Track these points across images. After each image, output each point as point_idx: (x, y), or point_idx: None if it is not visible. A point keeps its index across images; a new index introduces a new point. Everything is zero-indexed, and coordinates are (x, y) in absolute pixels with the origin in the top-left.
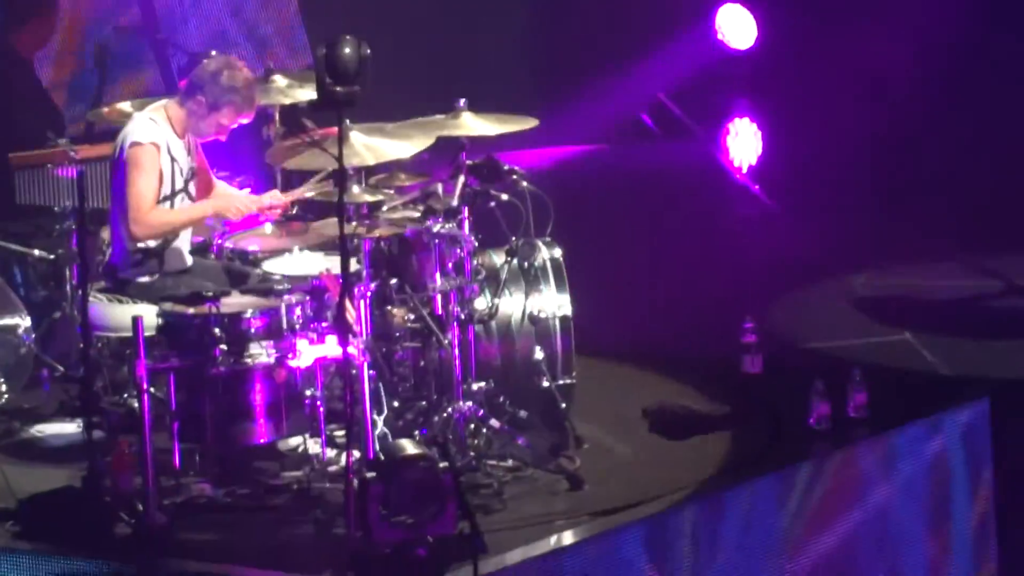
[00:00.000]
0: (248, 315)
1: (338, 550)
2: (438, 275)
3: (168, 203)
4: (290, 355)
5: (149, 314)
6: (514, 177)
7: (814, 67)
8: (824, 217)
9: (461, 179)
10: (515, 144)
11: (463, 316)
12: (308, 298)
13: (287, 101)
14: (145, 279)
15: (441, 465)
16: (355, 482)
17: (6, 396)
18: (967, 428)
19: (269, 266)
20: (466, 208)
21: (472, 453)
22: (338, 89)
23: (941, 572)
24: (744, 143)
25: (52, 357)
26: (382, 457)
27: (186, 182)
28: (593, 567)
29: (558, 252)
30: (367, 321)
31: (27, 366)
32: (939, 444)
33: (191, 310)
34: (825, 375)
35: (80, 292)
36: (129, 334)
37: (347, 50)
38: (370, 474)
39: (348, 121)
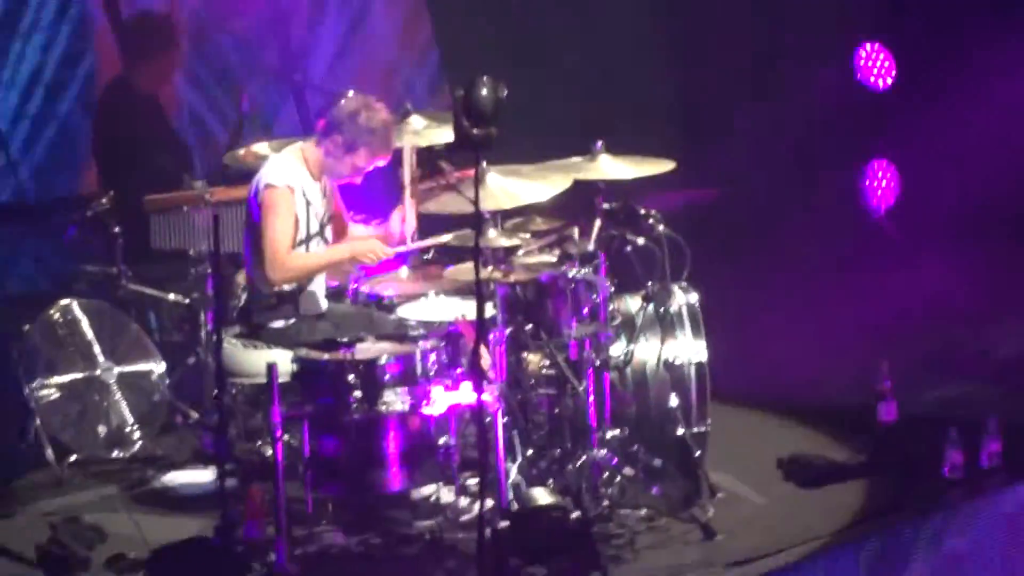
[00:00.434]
0: (383, 361)
1: None
2: (574, 321)
3: (303, 247)
4: (424, 402)
5: (284, 360)
6: (650, 221)
7: (952, 107)
8: (962, 260)
9: (598, 223)
10: (652, 187)
11: (598, 362)
12: (443, 344)
13: (423, 142)
14: (280, 324)
15: (574, 515)
16: (488, 531)
17: (140, 443)
18: None
19: (404, 311)
20: (602, 253)
21: (605, 502)
22: (475, 131)
23: None
24: (882, 184)
25: (186, 403)
26: (516, 506)
27: (322, 226)
28: None
29: (694, 297)
30: (502, 367)
31: (161, 412)
32: None
33: (326, 356)
34: (959, 423)
35: (214, 337)
36: (263, 380)
37: (484, 91)
38: (503, 523)
39: (485, 163)
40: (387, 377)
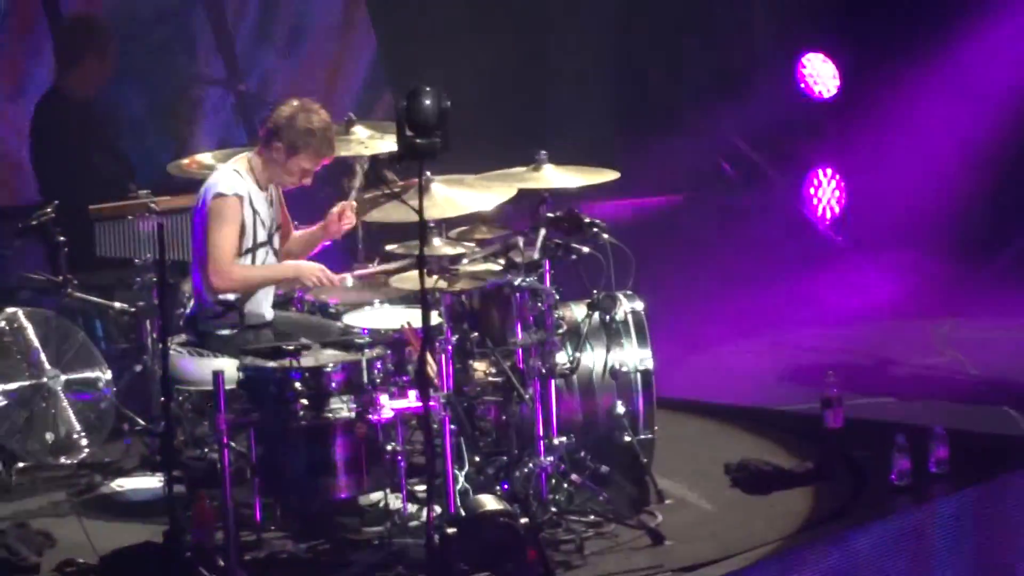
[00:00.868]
0: (329, 369)
1: None
2: (519, 329)
3: (250, 255)
4: (371, 409)
5: (230, 368)
6: (595, 230)
7: (896, 115)
8: (906, 267)
9: (542, 232)
10: (596, 196)
11: (544, 370)
12: (389, 352)
13: (368, 152)
14: (226, 332)
15: (522, 520)
16: (436, 537)
17: (87, 450)
18: None
19: (350, 319)
20: (547, 261)
21: (553, 508)
22: (418, 140)
23: None
24: (826, 192)
25: (133, 410)
26: (463, 512)
27: (269, 235)
28: None
29: (640, 305)
30: (448, 375)
31: (108, 420)
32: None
33: (272, 364)
34: (907, 430)
35: (161, 345)
36: (210, 388)
37: (427, 101)
38: (451, 529)
39: (428, 173)
40: (333, 384)
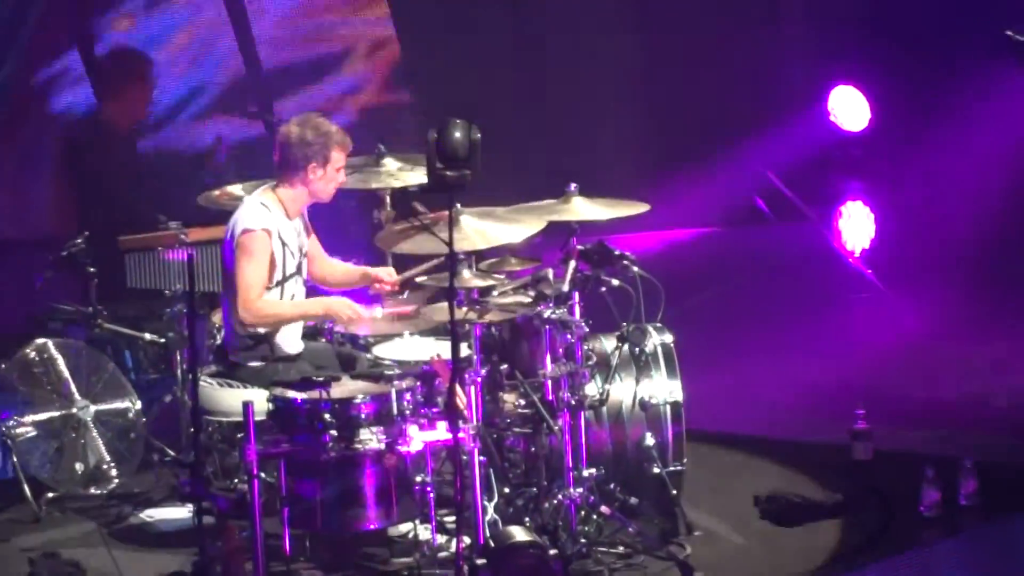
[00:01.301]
0: (358, 400)
1: None
2: (549, 361)
3: (280, 288)
4: (400, 441)
5: (260, 399)
6: (625, 262)
7: (927, 149)
8: (936, 300)
9: (572, 264)
10: (626, 228)
11: (574, 402)
12: (418, 383)
13: (398, 184)
14: (256, 363)
15: (551, 552)
16: (465, 569)
17: (117, 480)
18: None
19: (380, 351)
20: (577, 293)
21: (582, 540)
22: (448, 173)
23: None
24: (857, 226)
25: (162, 441)
26: (492, 544)
27: (298, 265)
28: None
29: (669, 337)
30: (478, 407)
31: (138, 450)
32: None
33: (301, 395)
34: (936, 462)
35: (191, 376)
36: (240, 419)
37: (457, 134)
38: (480, 561)
39: (459, 205)
40: (363, 416)
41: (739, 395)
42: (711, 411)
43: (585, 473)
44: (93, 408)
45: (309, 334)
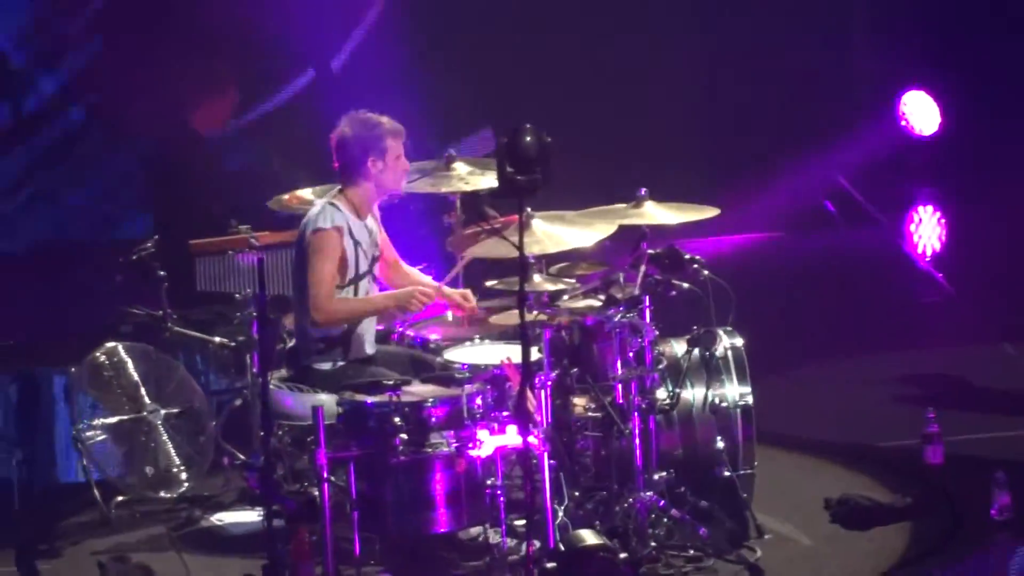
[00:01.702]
0: (429, 404)
1: None
2: (619, 364)
3: (353, 287)
4: (471, 444)
5: (330, 402)
6: (695, 266)
7: (998, 153)
8: (1006, 305)
9: (642, 268)
10: (697, 232)
11: (644, 406)
12: (489, 387)
13: (468, 188)
14: (327, 367)
15: (622, 555)
16: (536, 572)
17: (186, 484)
18: None
19: (450, 355)
20: (647, 297)
21: (653, 543)
22: (519, 177)
23: None
24: (927, 230)
25: (233, 445)
26: (562, 547)
27: (371, 264)
28: None
29: (739, 341)
30: (548, 410)
31: (207, 454)
32: None
33: (372, 399)
34: (1006, 465)
35: (261, 380)
36: (309, 422)
37: (528, 138)
38: (550, 564)
39: (529, 209)
40: (433, 420)
41: (809, 398)
42: (781, 414)
43: (655, 476)
44: (163, 412)
45: (379, 338)
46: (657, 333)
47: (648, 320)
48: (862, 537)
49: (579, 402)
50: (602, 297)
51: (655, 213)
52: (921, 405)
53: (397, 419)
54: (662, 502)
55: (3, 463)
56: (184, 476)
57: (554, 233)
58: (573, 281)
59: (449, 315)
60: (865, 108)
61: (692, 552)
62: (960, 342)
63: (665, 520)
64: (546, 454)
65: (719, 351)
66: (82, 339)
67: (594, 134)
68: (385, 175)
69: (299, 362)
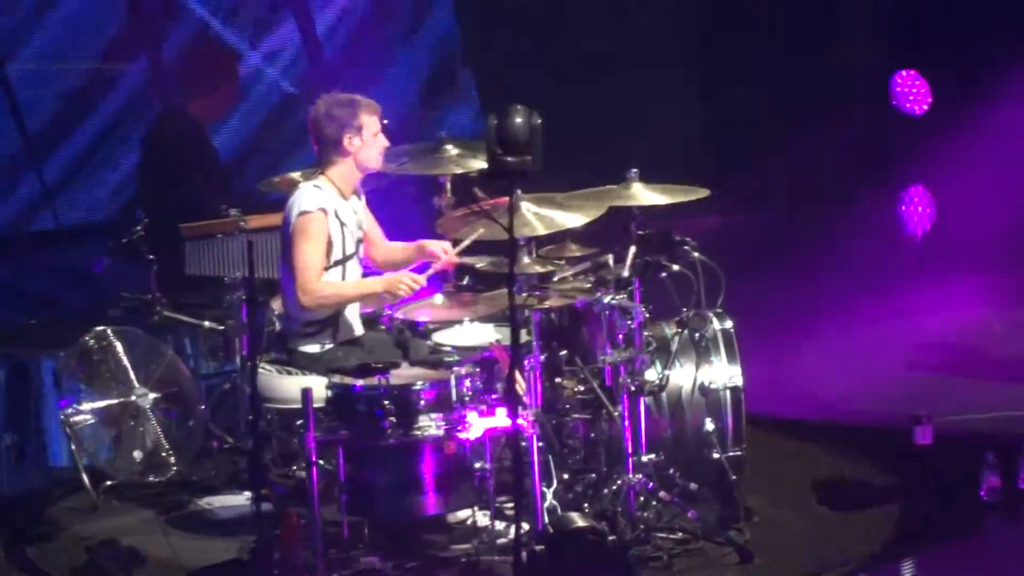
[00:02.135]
0: (418, 387)
1: None
2: (609, 346)
3: (340, 267)
4: (460, 427)
5: (319, 386)
6: (685, 248)
7: (989, 132)
8: (998, 284)
9: (632, 250)
10: (686, 213)
11: (633, 388)
12: (478, 370)
13: (458, 170)
14: (315, 349)
15: (610, 538)
16: (524, 555)
17: (175, 468)
18: None
19: (439, 337)
20: (637, 279)
21: (642, 525)
22: (509, 159)
23: None
24: (918, 209)
25: (221, 428)
26: (551, 530)
27: (357, 244)
28: None
29: (729, 323)
30: (537, 393)
31: (197, 437)
32: None
33: (360, 382)
34: (996, 447)
35: (250, 363)
36: (299, 406)
37: (518, 120)
38: (539, 547)
39: (519, 191)
40: (422, 403)
41: (799, 380)
42: (771, 397)
43: (644, 459)
44: (152, 395)
45: (367, 321)
46: (647, 315)
47: (638, 302)
48: (851, 519)
49: (568, 384)
50: (592, 279)
51: (645, 194)
52: (910, 386)
53: (386, 402)
54: (651, 484)
55: None
56: (173, 460)
57: (544, 215)
58: (563, 263)
59: (439, 298)
60: (856, 87)
61: (681, 535)
62: (951, 322)
63: (654, 503)
64: (535, 436)
65: (709, 333)
66: (72, 323)
67: (584, 115)
68: (363, 152)
69: (287, 345)
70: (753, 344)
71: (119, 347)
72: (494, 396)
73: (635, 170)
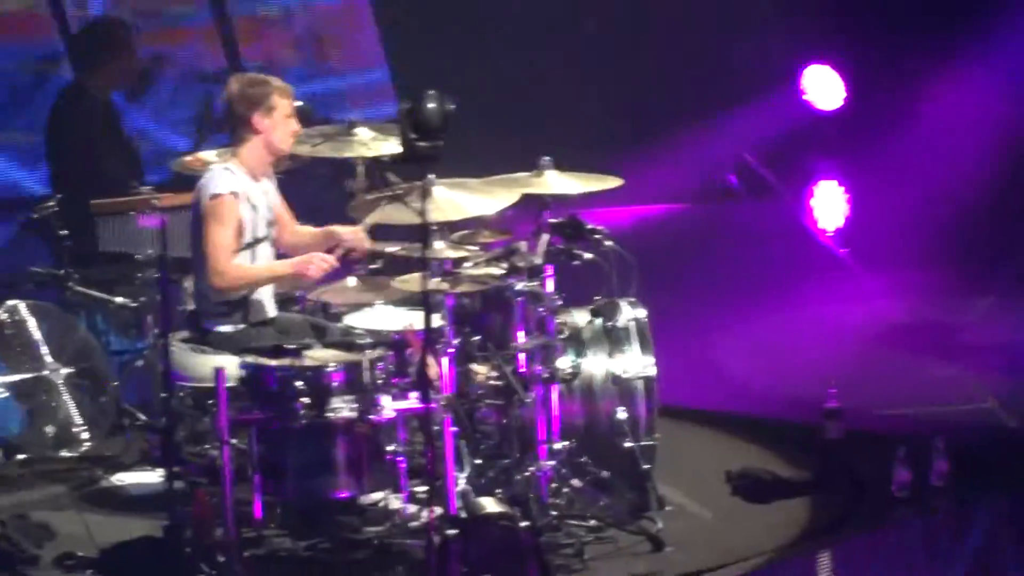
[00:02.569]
0: (330, 369)
1: None
2: (521, 333)
3: (251, 251)
4: (372, 410)
5: (231, 365)
6: (597, 236)
7: (901, 128)
8: (910, 280)
9: (544, 237)
10: (599, 202)
11: (546, 375)
12: (390, 353)
13: (371, 154)
14: (228, 329)
15: (522, 524)
16: (436, 539)
17: (88, 444)
18: None
19: (351, 320)
20: (550, 266)
21: (553, 512)
22: (421, 144)
23: None
24: (830, 205)
25: (133, 405)
26: (464, 514)
27: (268, 227)
28: None
29: (642, 312)
30: (450, 378)
31: (109, 414)
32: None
33: (273, 362)
34: (907, 442)
35: (162, 340)
36: (211, 384)
37: (431, 105)
38: (451, 531)
39: (431, 176)
40: (334, 384)
41: (712, 371)
42: (684, 387)
43: (557, 446)
44: (64, 371)
45: (281, 304)
46: (560, 302)
47: (550, 289)
48: (763, 510)
49: (481, 370)
50: (504, 265)
51: (558, 182)
52: (823, 380)
53: (299, 383)
54: (563, 471)
55: None
56: (85, 436)
57: (456, 200)
58: (475, 249)
59: (351, 281)
60: (768, 81)
61: (593, 522)
62: (863, 317)
63: (566, 490)
64: (448, 421)
65: (621, 322)
66: None
67: (498, 102)
68: (274, 133)
69: (199, 324)
70: (667, 334)
71: (31, 321)
72: (407, 380)
73: (548, 158)
